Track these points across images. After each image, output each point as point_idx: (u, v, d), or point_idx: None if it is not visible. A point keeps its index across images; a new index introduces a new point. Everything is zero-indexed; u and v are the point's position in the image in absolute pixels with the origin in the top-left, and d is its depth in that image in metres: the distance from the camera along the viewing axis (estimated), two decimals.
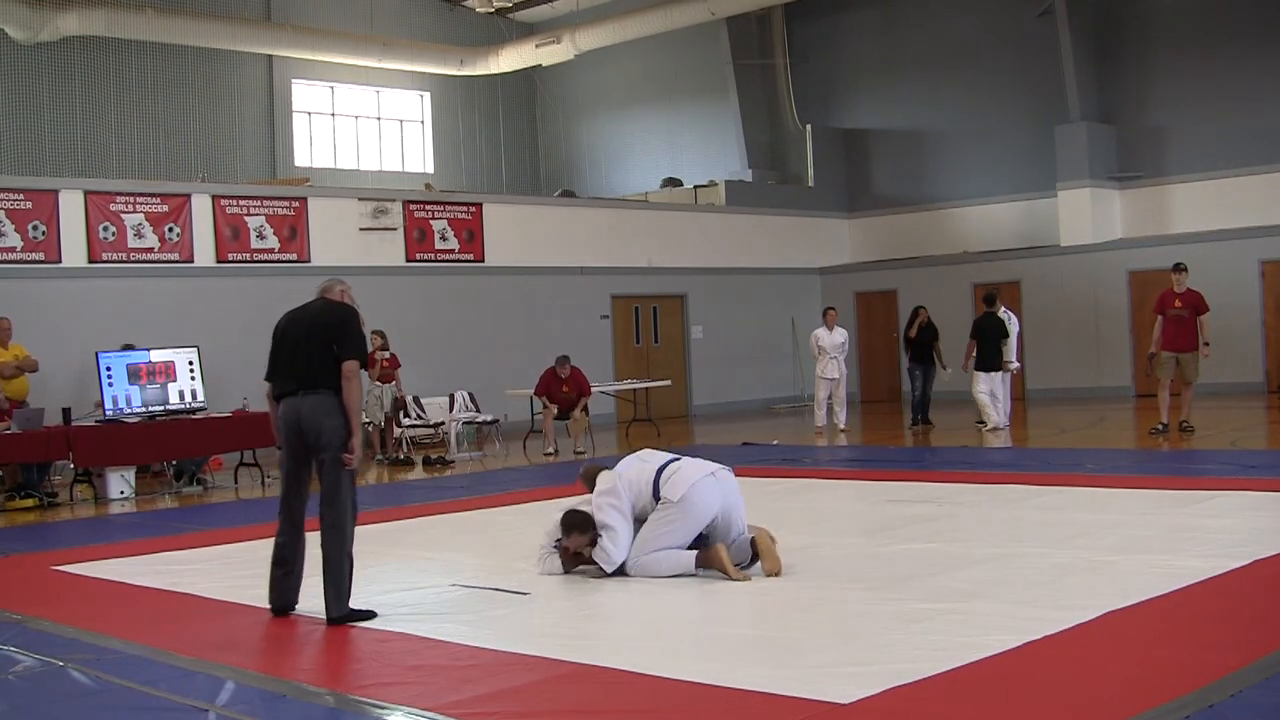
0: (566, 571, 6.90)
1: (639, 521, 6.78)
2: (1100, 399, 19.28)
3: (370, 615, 5.98)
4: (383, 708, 4.52)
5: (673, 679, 4.68)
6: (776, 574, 6.49)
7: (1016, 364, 15.77)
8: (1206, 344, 13.52)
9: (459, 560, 7.74)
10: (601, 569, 6.72)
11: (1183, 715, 3.95)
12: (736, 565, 6.51)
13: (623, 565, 6.67)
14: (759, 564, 6.61)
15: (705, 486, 6.66)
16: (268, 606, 6.21)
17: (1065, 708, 4.17)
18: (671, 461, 6.86)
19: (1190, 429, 13.41)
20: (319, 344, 6.05)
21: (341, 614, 5.92)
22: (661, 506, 6.67)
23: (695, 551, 6.58)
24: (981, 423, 15.33)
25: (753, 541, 6.64)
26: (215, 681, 4.97)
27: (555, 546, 7.02)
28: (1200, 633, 5.08)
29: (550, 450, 15.05)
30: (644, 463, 6.92)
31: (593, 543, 6.77)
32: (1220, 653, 4.67)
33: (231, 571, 7.72)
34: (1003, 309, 15.56)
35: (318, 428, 6.00)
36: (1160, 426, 13.44)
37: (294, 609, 6.16)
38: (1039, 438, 14.51)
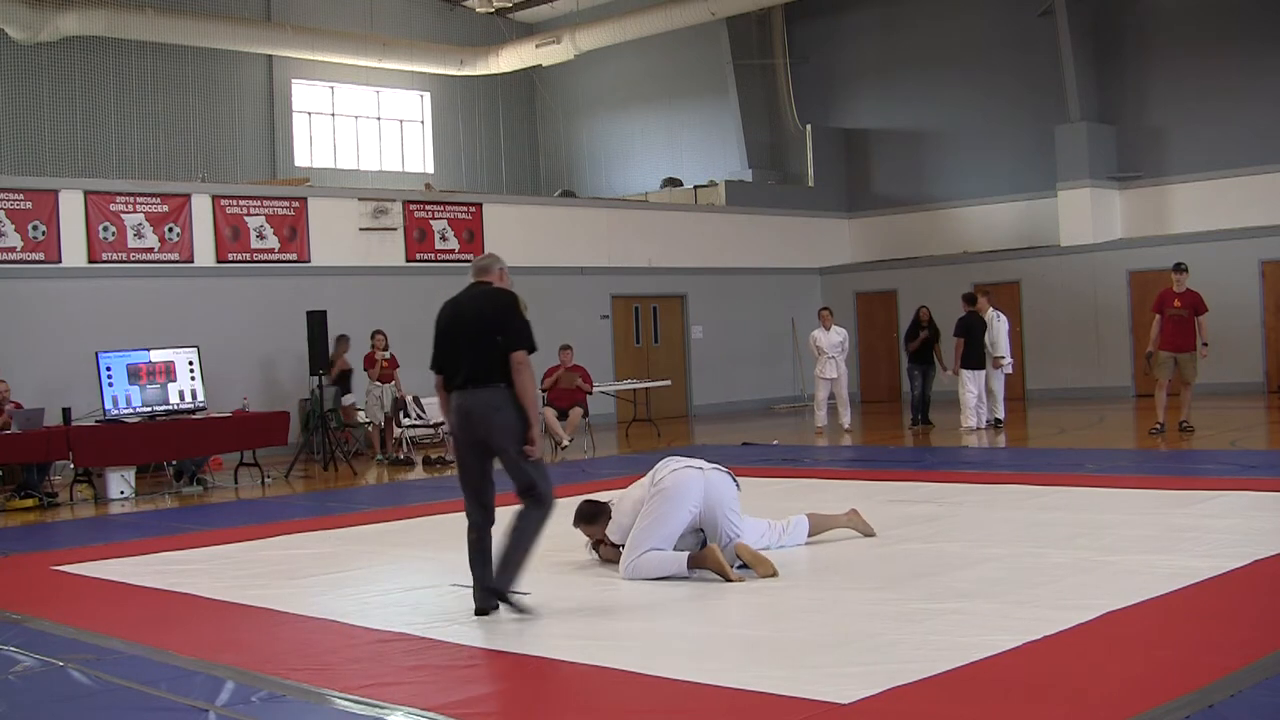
0: (604, 560, 7.07)
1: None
2: (1100, 399, 19.28)
3: (524, 607, 5.85)
4: (383, 708, 4.52)
5: (673, 679, 4.68)
6: (772, 575, 6.46)
7: (1010, 360, 15.83)
8: (1205, 344, 13.51)
9: (459, 560, 7.70)
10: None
11: (1183, 715, 3.95)
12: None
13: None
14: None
15: (687, 476, 6.70)
16: (472, 607, 5.96)
17: (1065, 708, 4.16)
18: (666, 460, 6.92)
19: (1190, 429, 13.41)
20: (483, 336, 5.91)
21: (504, 587, 5.81)
22: (648, 497, 6.70)
23: (687, 553, 6.57)
24: (987, 425, 15.37)
25: (737, 552, 6.62)
26: (215, 681, 4.97)
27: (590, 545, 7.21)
28: (1200, 633, 5.08)
29: (565, 443, 15.07)
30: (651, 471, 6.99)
31: (602, 537, 6.99)
32: (1220, 653, 4.67)
33: (231, 571, 7.72)
34: (990, 309, 15.63)
35: (488, 424, 5.86)
36: (1158, 427, 13.44)
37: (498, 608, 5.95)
38: (1039, 438, 14.51)
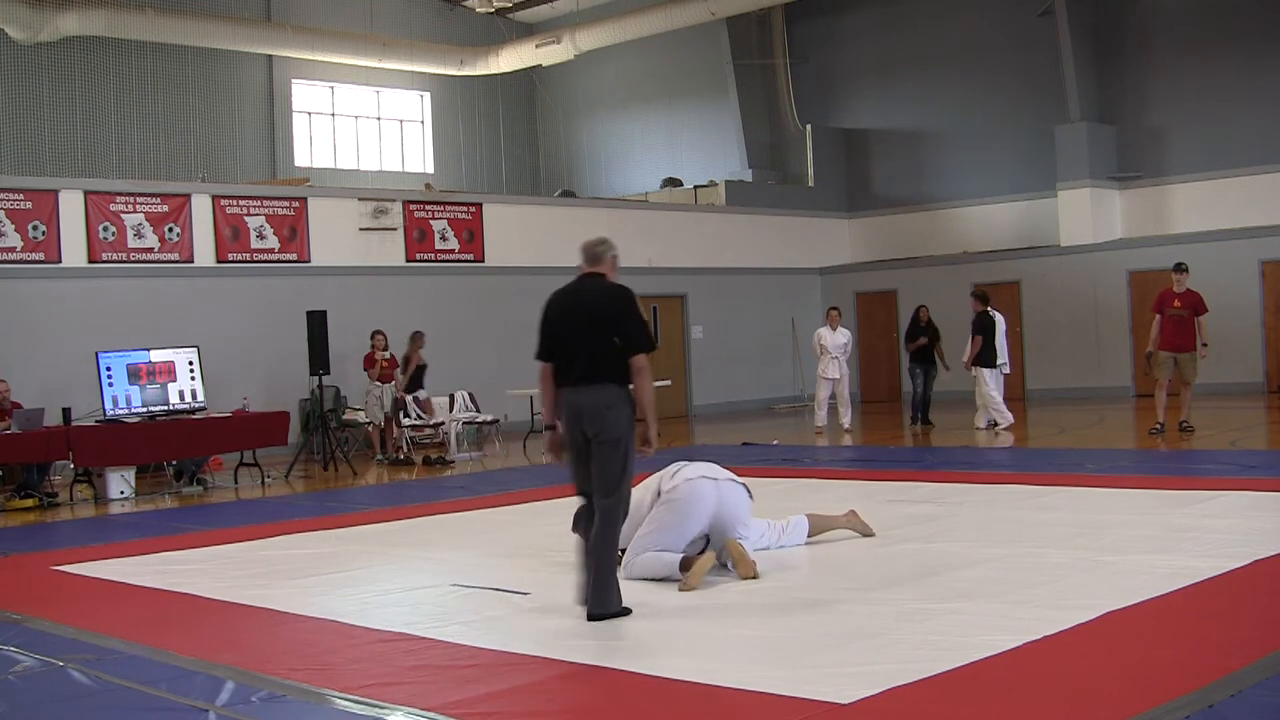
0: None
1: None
2: (1100, 399, 19.28)
3: (626, 612, 5.78)
4: (383, 708, 4.52)
5: (673, 679, 4.68)
6: (752, 578, 6.43)
7: (1006, 361, 15.85)
8: (1205, 345, 13.51)
9: (459, 560, 7.74)
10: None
11: (1183, 715, 3.95)
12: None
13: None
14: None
15: (700, 489, 6.65)
16: (588, 616, 5.83)
17: (1065, 708, 4.17)
18: (682, 466, 6.88)
19: (1190, 429, 13.41)
20: (600, 334, 5.85)
21: (604, 612, 5.73)
22: (658, 502, 6.68)
23: (681, 555, 6.53)
24: (984, 426, 15.33)
25: (726, 547, 6.61)
26: (215, 681, 4.97)
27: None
28: (1200, 633, 5.08)
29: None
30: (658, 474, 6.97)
31: None
32: (1220, 653, 4.67)
33: (231, 571, 7.72)
34: (989, 308, 15.66)
35: (599, 420, 5.78)
36: (1158, 427, 13.44)
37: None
38: (1039, 438, 14.51)
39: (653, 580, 6.51)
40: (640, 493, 6.92)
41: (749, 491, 6.94)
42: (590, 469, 5.88)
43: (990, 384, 15.20)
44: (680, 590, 6.26)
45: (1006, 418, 15.14)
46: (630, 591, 6.44)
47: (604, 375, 5.82)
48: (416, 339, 16.27)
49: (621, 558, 6.96)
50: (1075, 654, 4.79)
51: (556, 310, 6.08)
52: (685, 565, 6.45)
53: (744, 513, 6.79)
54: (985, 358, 15.18)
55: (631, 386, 5.87)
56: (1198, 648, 4.82)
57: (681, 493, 6.64)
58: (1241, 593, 5.81)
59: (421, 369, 16.35)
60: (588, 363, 5.84)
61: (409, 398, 16.08)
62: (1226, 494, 8.67)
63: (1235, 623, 5.24)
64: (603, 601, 5.76)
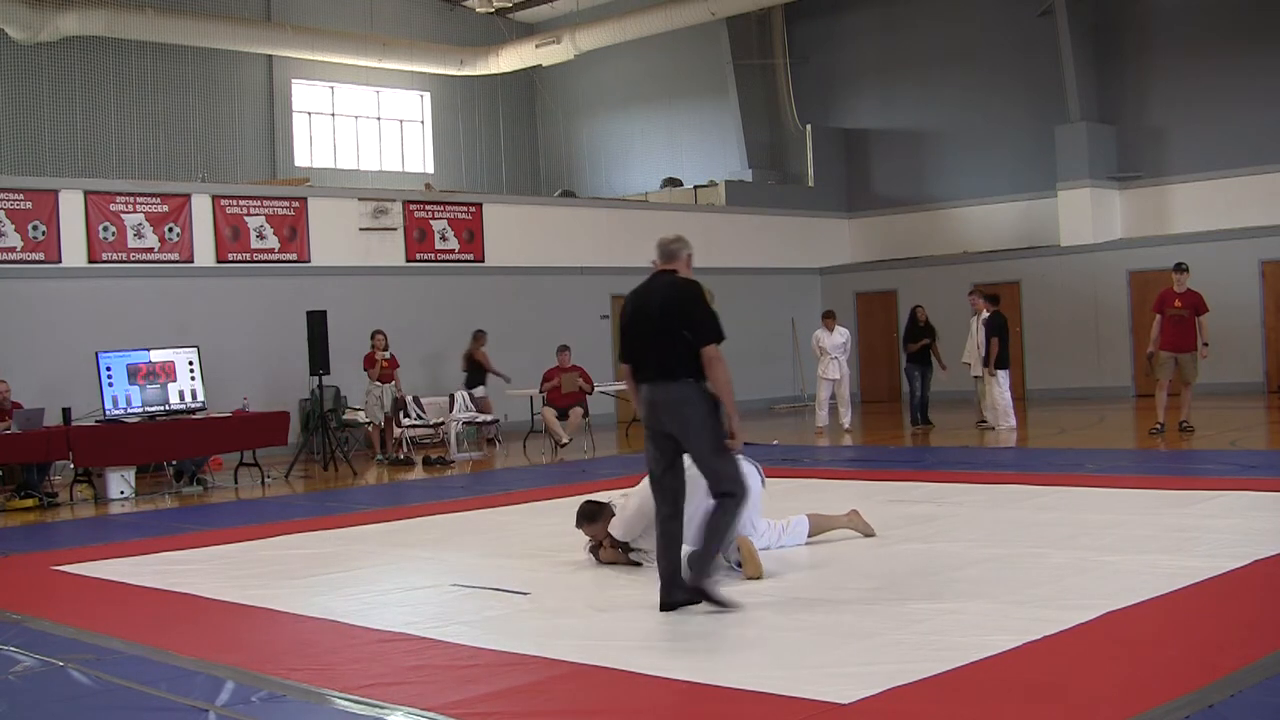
0: (601, 560, 7.10)
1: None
2: (1100, 399, 19.28)
3: (699, 599, 5.76)
4: (383, 708, 4.52)
5: (673, 679, 4.69)
6: (757, 578, 6.44)
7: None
8: (1205, 344, 13.50)
9: (459, 560, 7.74)
10: (644, 563, 6.88)
11: (1183, 715, 3.95)
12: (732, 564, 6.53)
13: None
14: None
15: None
16: (658, 601, 5.86)
17: (1065, 708, 4.17)
18: None
19: (1190, 429, 13.41)
20: (670, 330, 5.86)
21: (697, 585, 5.73)
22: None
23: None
24: (988, 424, 15.33)
25: (737, 546, 6.62)
26: (215, 681, 4.97)
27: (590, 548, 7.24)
28: (1200, 633, 5.08)
29: (564, 440, 15.08)
30: None
31: (604, 536, 7.02)
32: (1220, 653, 4.67)
33: (231, 571, 7.72)
34: (985, 310, 15.65)
35: (680, 419, 5.81)
36: (1158, 427, 13.44)
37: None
38: (1039, 438, 14.50)
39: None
40: (646, 489, 6.92)
41: (761, 474, 6.95)
42: (665, 457, 5.92)
43: (1003, 385, 15.19)
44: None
45: (1011, 421, 15.12)
46: (631, 591, 6.45)
47: (677, 371, 5.85)
48: (479, 337, 16.84)
49: (625, 552, 7.00)
50: (1075, 654, 4.79)
51: (630, 309, 6.12)
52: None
53: (757, 494, 6.81)
54: (1001, 359, 15.15)
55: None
56: (1198, 648, 4.82)
57: (695, 474, 6.60)
58: (1241, 593, 5.80)
59: (481, 366, 16.73)
60: (660, 359, 5.88)
61: (409, 398, 16.08)
62: (1226, 494, 8.67)
63: (1235, 623, 5.24)
64: (698, 570, 5.76)
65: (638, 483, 7.10)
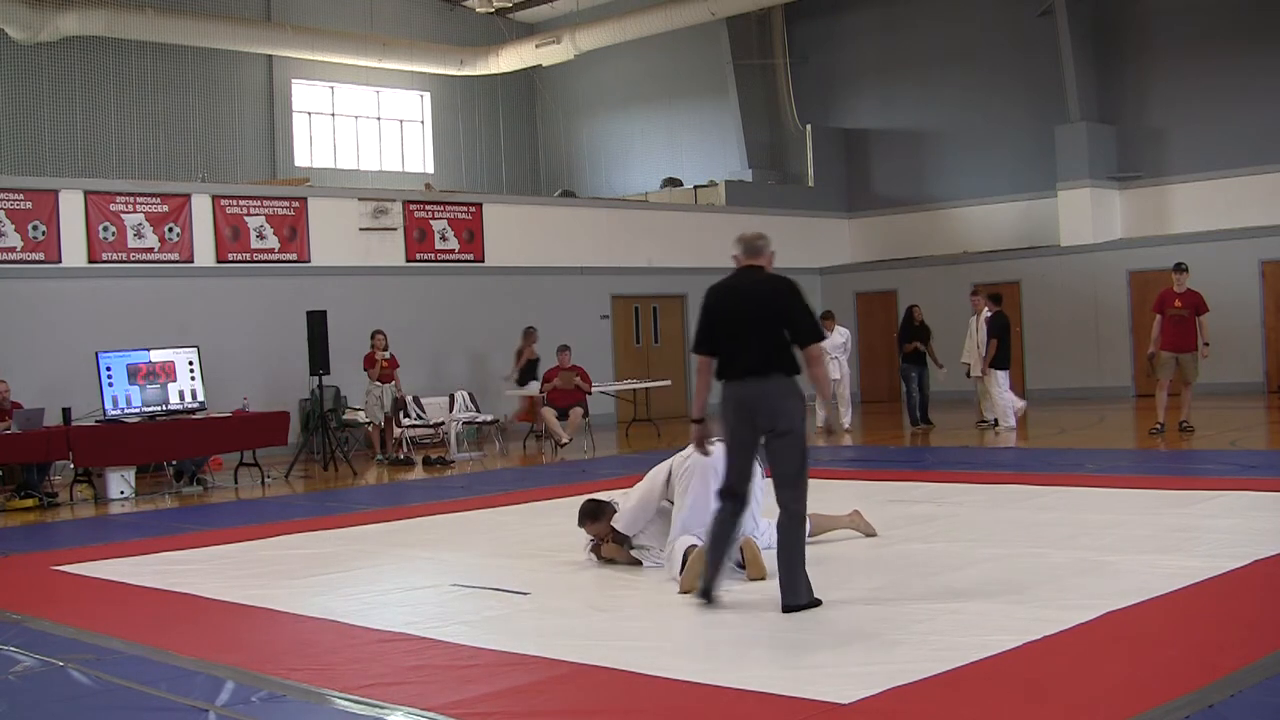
0: (602, 559, 7.12)
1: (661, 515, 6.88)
2: (1100, 399, 19.28)
3: (817, 603, 5.74)
4: (383, 708, 4.52)
5: (673, 679, 4.69)
6: (760, 579, 6.42)
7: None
8: (1206, 344, 13.51)
9: (459, 560, 7.74)
10: (645, 561, 6.92)
11: (1183, 715, 3.95)
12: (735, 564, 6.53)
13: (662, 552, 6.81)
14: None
15: (717, 452, 6.67)
16: (698, 591, 5.86)
17: (1065, 708, 4.17)
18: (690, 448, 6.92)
19: (1190, 429, 13.41)
20: (770, 327, 5.82)
21: (798, 603, 5.69)
22: (683, 474, 6.70)
23: (694, 542, 6.54)
24: (988, 422, 15.34)
25: (741, 548, 6.62)
26: (215, 681, 4.97)
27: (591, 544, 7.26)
28: (1200, 633, 5.08)
29: (564, 441, 15.08)
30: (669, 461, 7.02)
31: (607, 534, 7.04)
32: (1220, 653, 4.67)
33: (231, 571, 7.72)
34: (986, 309, 15.67)
35: (774, 412, 5.76)
36: (1158, 427, 13.44)
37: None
38: (1039, 438, 14.50)
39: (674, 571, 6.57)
40: (649, 483, 6.94)
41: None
42: (750, 461, 5.89)
43: (1003, 385, 15.22)
44: (679, 593, 6.25)
45: (1011, 421, 15.14)
46: (631, 591, 6.46)
47: (775, 367, 5.82)
48: (530, 334, 17.05)
49: (626, 544, 7.01)
50: (1075, 654, 4.79)
51: (722, 304, 6.00)
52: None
53: (757, 488, 6.81)
54: (1000, 360, 15.19)
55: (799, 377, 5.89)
56: (1198, 648, 4.82)
57: (699, 463, 6.58)
58: (1241, 593, 5.80)
59: (534, 363, 16.90)
60: (759, 355, 5.82)
61: (409, 398, 16.08)
62: (1226, 494, 8.67)
63: (1235, 623, 5.24)
64: (794, 593, 5.72)
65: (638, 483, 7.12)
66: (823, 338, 5.93)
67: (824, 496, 9.50)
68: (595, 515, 7.13)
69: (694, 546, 6.45)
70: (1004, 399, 15.17)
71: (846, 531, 7.59)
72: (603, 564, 7.11)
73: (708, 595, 5.87)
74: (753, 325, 5.84)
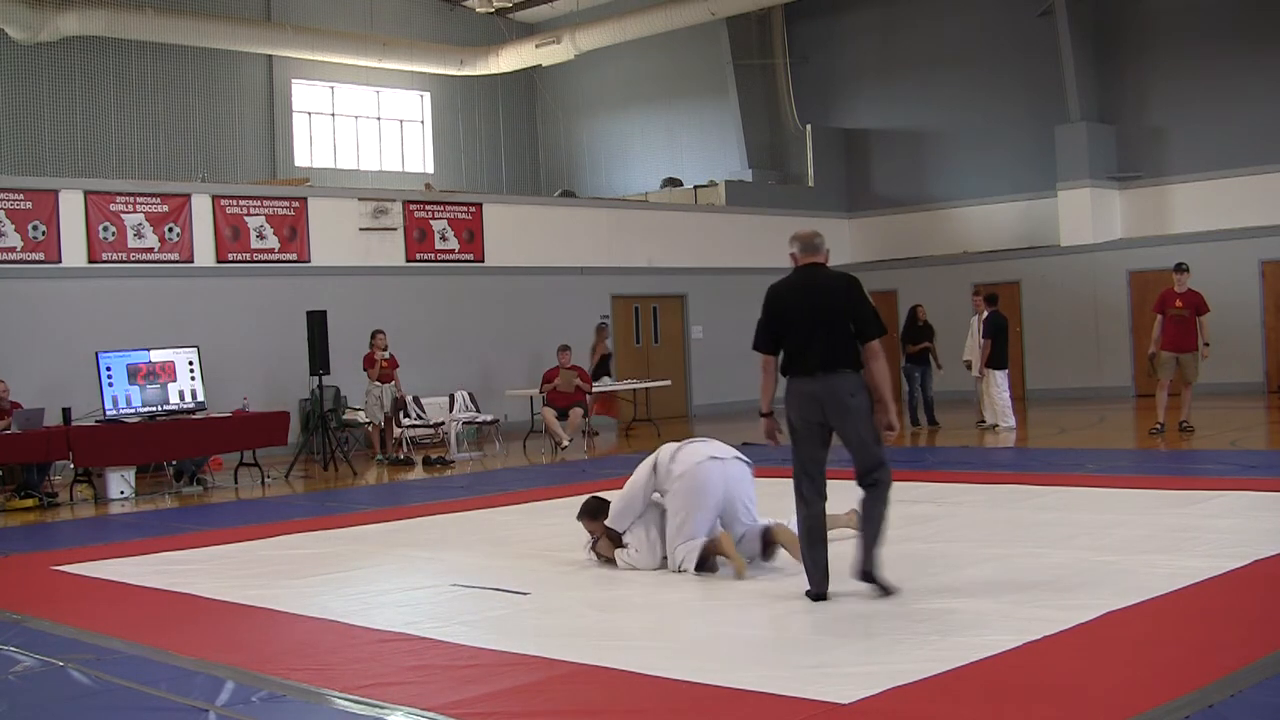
0: (601, 558, 7.16)
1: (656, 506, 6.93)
2: (1100, 399, 19.28)
3: (892, 591, 5.86)
4: (383, 708, 4.52)
5: (673, 679, 4.68)
6: (741, 574, 6.49)
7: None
8: (1206, 345, 13.51)
9: (459, 560, 7.74)
10: (619, 562, 7.01)
11: (1183, 715, 3.95)
12: (746, 558, 6.59)
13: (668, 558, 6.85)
14: (781, 553, 6.69)
15: (708, 469, 6.73)
16: (809, 591, 5.89)
17: (1065, 708, 4.17)
18: (682, 444, 6.94)
19: (1190, 429, 13.41)
20: (838, 323, 5.91)
21: (876, 570, 5.87)
22: (669, 492, 6.75)
23: (705, 540, 6.63)
24: (988, 423, 15.33)
25: (767, 531, 6.68)
26: (215, 681, 4.97)
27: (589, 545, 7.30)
28: (1200, 633, 5.08)
29: (565, 443, 15.09)
30: (653, 453, 7.06)
31: (601, 531, 7.10)
32: (1220, 653, 4.67)
33: (231, 571, 7.72)
34: (986, 310, 15.67)
35: (846, 408, 5.86)
36: (1158, 427, 13.44)
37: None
38: (1039, 438, 14.50)
39: (687, 571, 6.63)
40: (633, 478, 6.97)
41: (750, 466, 6.98)
42: (821, 453, 5.97)
43: (1000, 385, 15.22)
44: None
45: (1010, 421, 15.14)
46: (631, 591, 6.46)
47: (842, 363, 5.90)
48: (602, 330, 17.48)
49: (619, 542, 7.03)
50: (1075, 654, 4.79)
51: (788, 301, 6.05)
52: (710, 549, 6.57)
53: (749, 488, 6.86)
54: (996, 360, 15.19)
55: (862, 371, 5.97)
56: (1198, 648, 4.82)
57: (691, 480, 6.70)
58: (1241, 593, 5.80)
59: (606, 358, 17.28)
60: (827, 351, 5.89)
61: (409, 398, 16.08)
62: (1226, 494, 8.67)
63: (1235, 623, 5.24)
64: (876, 563, 5.89)
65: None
66: (885, 332, 6.03)
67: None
68: (594, 513, 7.19)
69: (712, 540, 6.59)
70: (1002, 399, 15.18)
71: (846, 531, 7.57)
72: (602, 563, 7.12)
73: (823, 596, 5.87)
74: (820, 322, 5.92)
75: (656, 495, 6.95)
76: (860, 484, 5.98)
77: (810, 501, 5.96)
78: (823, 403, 5.87)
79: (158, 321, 15.51)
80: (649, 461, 7.00)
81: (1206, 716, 3.95)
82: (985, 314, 15.43)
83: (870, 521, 5.93)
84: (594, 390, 16.35)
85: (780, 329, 6.01)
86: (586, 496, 7.48)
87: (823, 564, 5.91)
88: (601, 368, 17.42)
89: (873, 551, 5.91)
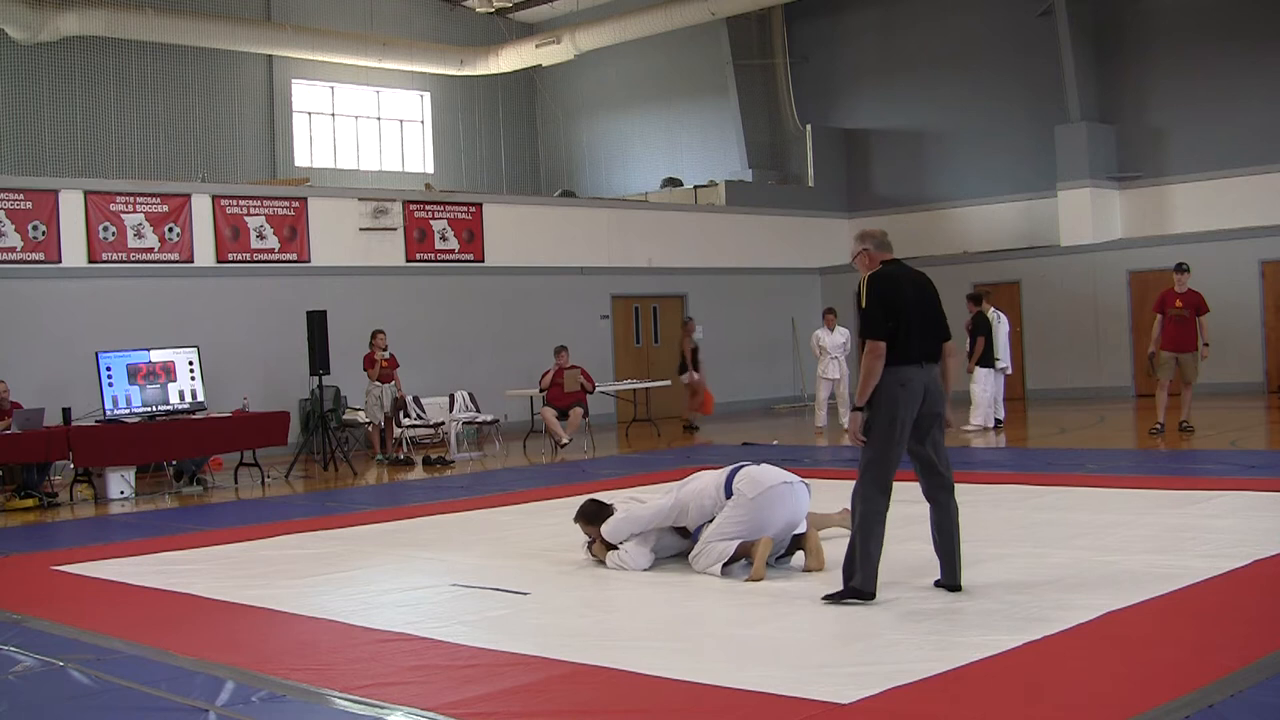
0: (596, 559, 7.16)
1: (708, 522, 6.83)
2: (1100, 399, 19.28)
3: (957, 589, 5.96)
4: (383, 708, 4.52)
5: (673, 679, 4.68)
6: (819, 570, 6.56)
7: (1007, 365, 15.91)
8: (1206, 345, 13.51)
9: (459, 560, 7.74)
10: (609, 562, 7.05)
11: (1183, 715, 3.95)
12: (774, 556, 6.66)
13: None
14: (798, 556, 6.75)
15: (780, 494, 6.71)
16: (865, 592, 5.81)
17: (1065, 708, 4.17)
18: (746, 465, 6.92)
19: (1190, 429, 13.41)
20: (938, 317, 6.11)
21: (960, 582, 5.97)
22: (734, 502, 6.70)
23: (739, 540, 6.62)
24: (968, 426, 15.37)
25: (797, 536, 6.72)
26: (215, 681, 4.97)
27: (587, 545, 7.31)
28: (1200, 633, 5.08)
29: (565, 441, 15.10)
30: (715, 472, 6.98)
31: (597, 535, 7.09)
32: (1220, 653, 4.67)
33: (231, 571, 7.72)
34: (992, 309, 15.68)
35: (941, 396, 6.02)
36: (1158, 427, 13.44)
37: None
38: (1039, 438, 14.51)
39: (707, 570, 6.63)
40: (652, 510, 6.93)
41: (810, 489, 7.03)
42: (908, 445, 5.99)
43: (981, 383, 15.29)
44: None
45: (979, 421, 15.20)
46: (631, 591, 6.46)
47: (937, 356, 6.07)
48: (688, 325, 17.90)
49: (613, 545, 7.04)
50: (1075, 654, 4.79)
51: (908, 290, 6.08)
52: (743, 551, 6.57)
53: (805, 512, 6.86)
54: (983, 358, 15.29)
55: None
56: (1198, 648, 4.82)
57: (766, 498, 6.66)
58: (1241, 593, 5.80)
59: (695, 350, 17.73)
60: (933, 342, 6.06)
61: (409, 398, 16.07)
62: (1226, 494, 8.67)
63: (1235, 623, 5.24)
64: (959, 570, 6.02)
65: (639, 484, 7.11)
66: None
67: (824, 497, 9.50)
68: (591, 518, 7.18)
69: (747, 542, 6.59)
70: (983, 397, 15.28)
71: (846, 532, 7.57)
72: (599, 563, 7.12)
73: (873, 595, 5.85)
74: (930, 314, 6.08)
75: (664, 531, 6.96)
76: (935, 483, 6.02)
77: (883, 501, 5.92)
78: (930, 391, 5.97)
79: (158, 321, 15.51)
80: (713, 478, 6.88)
81: (1206, 716, 3.94)
82: (975, 313, 15.51)
83: (949, 533, 6.02)
84: (697, 385, 17.27)
85: (902, 318, 5.97)
86: (584, 499, 7.47)
87: (875, 563, 5.89)
88: (691, 362, 17.77)
89: (957, 562, 6.01)
